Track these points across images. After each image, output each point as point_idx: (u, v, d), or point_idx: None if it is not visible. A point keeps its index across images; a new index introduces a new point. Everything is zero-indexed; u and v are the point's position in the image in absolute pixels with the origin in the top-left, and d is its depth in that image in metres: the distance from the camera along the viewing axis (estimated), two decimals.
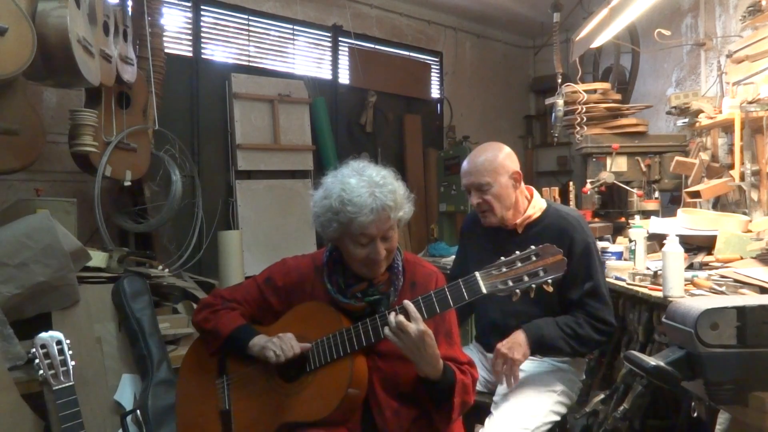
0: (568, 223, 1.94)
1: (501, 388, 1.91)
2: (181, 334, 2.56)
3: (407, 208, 1.52)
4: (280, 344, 1.51)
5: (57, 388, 1.81)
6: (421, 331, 1.38)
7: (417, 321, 1.39)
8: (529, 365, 1.93)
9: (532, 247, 1.40)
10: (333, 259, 1.60)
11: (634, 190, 3.42)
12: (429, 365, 1.43)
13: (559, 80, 3.80)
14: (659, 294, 2.08)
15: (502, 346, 1.85)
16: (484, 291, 1.40)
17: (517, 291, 1.39)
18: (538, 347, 1.86)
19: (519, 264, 1.40)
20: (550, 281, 1.38)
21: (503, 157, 1.95)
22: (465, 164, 1.99)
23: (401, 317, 1.39)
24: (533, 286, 1.38)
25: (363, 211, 1.41)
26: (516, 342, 1.84)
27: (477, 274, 1.41)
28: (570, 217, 1.98)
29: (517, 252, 1.41)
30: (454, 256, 3.87)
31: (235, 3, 4.12)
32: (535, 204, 2.00)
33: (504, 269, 1.40)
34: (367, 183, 1.44)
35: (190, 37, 3.94)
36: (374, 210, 1.42)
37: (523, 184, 2.01)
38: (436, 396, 1.49)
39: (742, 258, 2.32)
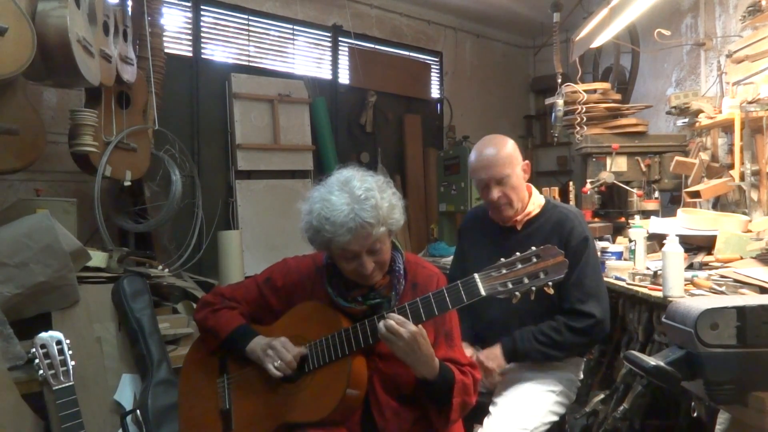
0: (567, 217, 1.95)
1: (500, 388, 1.91)
2: (181, 334, 2.56)
3: (394, 219, 1.46)
4: (277, 355, 1.50)
5: (57, 388, 1.81)
6: (413, 332, 1.37)
7: (405, 324, 1.38)
8: (528, 365, 1.93)
9: (533, 248, 1.38)
10: (333, 263, 1.59)
11: (634, 190, 3.42)
12: (425, 365, 1.42)
13: (559, 80, 3.80)
14: (659, 294, 2.08)
15: (482, 354, 1.92)
16: (483, 293, 1.37)
17: (517, 293, 1.37)
18: (513, 359, 1.90)
19: (519, 265, 1.37)
20: (550, 283, 1.36)
21: (514, 149, 1.96)
22: (477, 158, 1.95)
23: (391, 322, 1.38)
24: (533, 288, 1.36)
25: (340, 230, 1.38)
26: (493, 353, 1.90)
27: (476, 275, 1.39)
28: (569, 211, 1.98)
29: (518, 253, 1.39)
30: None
31: (235, 3, 4.12)
32: (534, 200, 1.99)
33: (504, 271, 1.37)
34: (348, 199, 1.40)
35: (190, 37, 3.94)
36: (352, 229, 1.38)
37: None
38: (434, 396, 1.48)
39: (742, 258, 2.32)
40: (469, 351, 1.99)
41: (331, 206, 1.40)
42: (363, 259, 1.44)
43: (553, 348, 1.86)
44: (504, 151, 1.93)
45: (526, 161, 1.99)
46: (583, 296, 1.86)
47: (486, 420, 1.81)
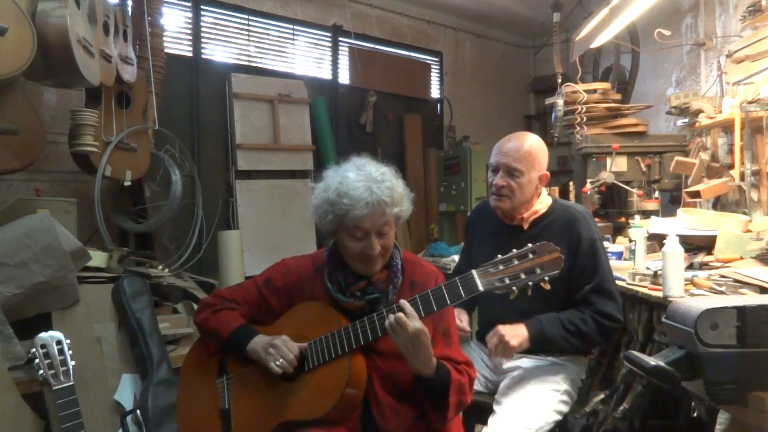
0: (575, 217, 1.94)
1: (503, 387, 1.91)
2: (181, 334, 2.56)
3: (405, 205, 1.53)
4: (279, 353, 1.51)
5: (57, 388, 1.81)
6: (417, 329, 1.39)
7: (413, 318, 1.39)
8: (531, 363, 1.93)
9: (529, 245, 1.40)
10: (333, 258, 1.61)
11: (634, 190, 3.42)
12: (421, 363, 1.43)
13: (559, 80, 3.80)
14: (659, 294, 2.08)
15: (504, 328, 1.84)
16: (481, 288, 1.40)
17: (514, 288, 1.38)
18: (538, 344, 1.85)
19: (516, 262, 1.40)
20: (546, 279, 1.38)
21: (542, 155, 1.97)
22: (500, 144, 1.98)
23: (401, 314, 1.39)
24: (530, 283, 1.38)
25: (358, 204, 1.43)
26: (517, 330, 1.84)
27: (474, 271, 1.41)
28: (576, 211, 1.98)
29: (515, 250, 1.41)
30: (454, 256, 3.88)
31: (235, 3, 4.12)
32: (542, 200, 2.00)
33: (501, 267, 1.40)
34: (365, 178, 1.46)
35: (190, 37, 3.94)
36: (369, 204, 1.43)
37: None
38: (430, 394, 1.49)
39: (742, 258, 2.32)
40: (464, 317, 2.03)
41: (349, 182, 1.46)
42: (372, 240, 1.47)
43: (577, 338, 1.84)
44: (530, 150, 1.93)
45: (547, 174, 1.98)
46: (607, 299, 1.87)
47: (490, 419, 1.81)
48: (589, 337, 1.86)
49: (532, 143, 1.95)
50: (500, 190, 1.93)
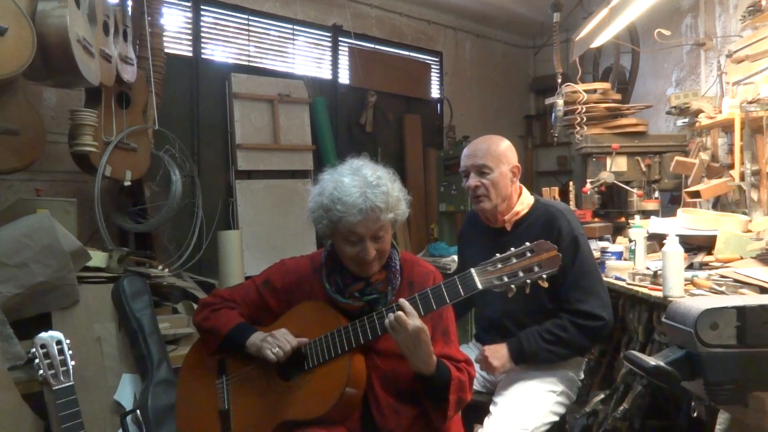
0: (555, 215, 1.94)
1: (499, 388, 1.91)
2: (181, 334, 2.56)
3: (401, 210, 1.52)
4: (276, 342, 1.51)
5: (57, 388, 1.81)
6: (417, 327, 1.39)
7: (413, 317, 1.40)
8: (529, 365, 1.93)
9: (527, 243, 1.41)
10: (331, 258, 1.61)
11: (634, 190, 3.42)
12: (421, 361, 1.43)
13: (559, 80, 3.80)
14: (659, 294, 2.08)
15: (487, 349, 1.90)
16: (480, 287, 1.40)
17: (513, 286, 1.39)
18: (520, 360, 1.88)
19: (514, 260, 1.40)
20: (544, 276, 1.38)
21: (506, 149, 1.98)
22: (468, 148, 2.02)
23: (400, 312, 1.40)
24: (528, 281, 1.38)
25: (351, 210, 1.42)
26: (499, 352, 1.88)
27: (472, 270, 1.42)
28: (555, 209, 1.97)
29: (512, 248, 1.41)
30: (454, 256, 3.89)
31: (235, 3, 4.12)
32: (523, 200, 2.00)
33: (499, 265, 1.40)
34: (360, 183, 1.45)
35: (190, 37, 3.94)
36: (363, 210, 1.42)
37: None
38: (431, 393, 1.49)
39: (742, 258, 2.32)
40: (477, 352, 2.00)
41: (343, 187, 1.45)
42: (366, 244, 1.46)
43: (559, 346, 1.84)
44: (492, 147, 1.96)
45: (517, 165, 1.99)
46: (584, 296, 1.85)
47: (486, 420, 1.82)
48: (572, 342, 1.84)
49: (496, 141, 1.99)
50: (476, 191, 1.95)
